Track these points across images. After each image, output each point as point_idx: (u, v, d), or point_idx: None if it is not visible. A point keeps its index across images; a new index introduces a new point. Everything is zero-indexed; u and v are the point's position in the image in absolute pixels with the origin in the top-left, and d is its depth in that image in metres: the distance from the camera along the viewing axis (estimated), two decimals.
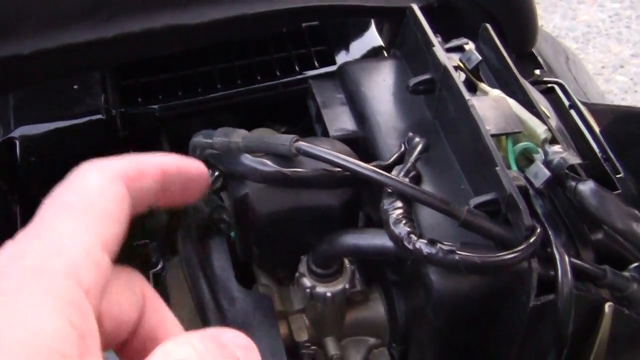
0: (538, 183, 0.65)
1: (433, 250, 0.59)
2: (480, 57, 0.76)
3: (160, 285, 0.79)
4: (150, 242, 0.84)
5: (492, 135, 0.66)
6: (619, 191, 0.87)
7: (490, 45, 0.79)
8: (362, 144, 0.77)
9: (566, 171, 0.66)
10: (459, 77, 0.73)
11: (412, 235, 0.59)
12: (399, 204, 0.62)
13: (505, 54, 0.77)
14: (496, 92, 0.74)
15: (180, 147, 0.90)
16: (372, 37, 1.06)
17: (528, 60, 1.08)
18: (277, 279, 0.77)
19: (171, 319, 0.39)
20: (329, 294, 0.70)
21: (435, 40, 0.75)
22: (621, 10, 2.42)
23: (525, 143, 0.69)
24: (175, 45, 0.82)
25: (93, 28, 0.71)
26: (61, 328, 0.30)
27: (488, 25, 0.80)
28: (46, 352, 0.29)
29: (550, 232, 0.64)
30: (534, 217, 0.63)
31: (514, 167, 0.68)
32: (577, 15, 2.37)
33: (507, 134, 0.68)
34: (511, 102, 0.72)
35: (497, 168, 0.63)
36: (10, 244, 0.32)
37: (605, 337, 0.67)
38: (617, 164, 0.90)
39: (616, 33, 2.31)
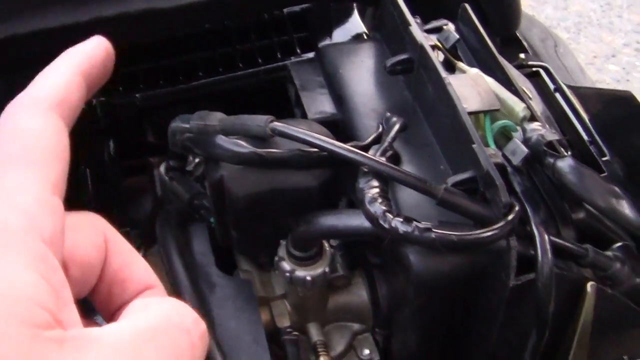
0: (516, 160, 0.65)
1: (409, 229, 0.58)
2: (457, 36, 0.75)
3: None
4: (131, 229, 0.83)
5: (469, 113, 0.65)
6: (605, 174, 0.86)
7: (469, 25, 0.78)
8: (341, 126, 0.76)
9: (544, 148, 0.65)
10: (437, 56, 0.72)
11: (388, 214, 0.59)
12: (374, 182, 0.61)
13: (483, 33, 0.76)
14: (474, 71, 0.73)
15: (164, 136, 0.89)
16: (355, 23, 1.05)
17: (513, 44, 1.07)
18: (258, 264, 0.76)
19: (136, 260, 0.39)
20: (308, 278, 0.69)
21: (412, 19, 0.74)
22: (612, 0, 2.41)
23: (504, 121, 0.68)
24: (153, 31, 0.81)
25: (67, 12, 0.70)
26: (36, 281, 0.29)
27: (467, 5, 0.80)
28: (27, 304, 0.29)
29: (529, 210, 0.63)
30: (512, 195, 0.62)
31: (492, 145, 0.67)
32: (568, 5, 2.36)
33: (484, 112, 0.68)
34: (489, 80, 0.71)
35: (474, 145, 0.62)
36: None
37: (589, 317, 0.66)
38: (603, 147, 0.89)
39: (608, 23, 2.30)
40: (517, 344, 0.66)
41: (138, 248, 0.79)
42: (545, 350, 0.66)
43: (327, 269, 0.70)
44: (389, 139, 0.66)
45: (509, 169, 0.65)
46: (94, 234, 0.37)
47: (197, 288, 0.72)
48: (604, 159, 0.88)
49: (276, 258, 0.70)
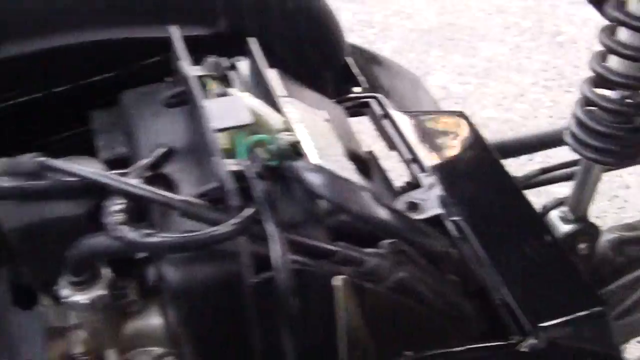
0: (257, 167, 0.68)
1: (136, 236, 0.62)
2: (227, 65, 0.81)
3: None
4: None
5: (219, 130, 0.70)
6: (424, 187, 0.90)
7: (251, 56, 0.84)
8: (130, 162, 0.80)
9: (290, 152, 0.69)
10: (205, 85, 0.77)
11: (120, 226, 0.63)
12: (118, 200, 0.66)
13: (259, 63, 0.82)
14: (245, 95, 0.78)
15: None
16: None
17: (344, 75, 1.13)
18: (55, 297, 0.79)
19: None
20: (86, 301, 0.72)
21: (183, 54, 0.79)
22: (522, 42, 2.49)
23: (258, 135, 0.72)
24: None
25: None
26: None
27: (252, 39, 0.85)
28: None
29: (268, 212, 0.66)
30: (251, 201, 0.66)
31: (243, 156, 0.71)
32: (477, 53, 2.43)
33: (233, 128, 0.72)
34: (254, 101, 0.76)
35: (213, 158, 0.67)
36: None
37: (351, 311, 0.68)
38: (423, 164, 0.94)
39: (516, 64, 2.37)
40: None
41: None
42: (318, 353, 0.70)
43: (105, 292, 0.73)
44: (144, 164, 0.71)
45: (253, 175, 0.68)
46: None
47: None
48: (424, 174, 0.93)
49: (55, 287, 0.73)
